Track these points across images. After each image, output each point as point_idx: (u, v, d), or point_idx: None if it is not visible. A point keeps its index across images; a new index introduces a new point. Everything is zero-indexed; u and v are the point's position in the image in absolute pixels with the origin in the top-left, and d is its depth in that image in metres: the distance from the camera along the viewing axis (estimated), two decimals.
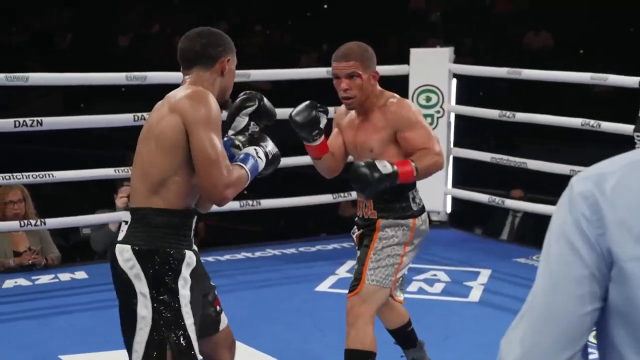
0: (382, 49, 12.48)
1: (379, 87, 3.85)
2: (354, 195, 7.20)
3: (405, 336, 4.15)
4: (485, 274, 6.07)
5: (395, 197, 3.80)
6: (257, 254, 6.67)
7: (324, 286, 5.79)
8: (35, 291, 5.69)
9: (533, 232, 8.32)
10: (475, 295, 5.64)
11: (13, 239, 6.24)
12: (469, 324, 5.15)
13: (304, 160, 7.18)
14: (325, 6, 15.77)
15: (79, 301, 5.47)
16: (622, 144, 5.01)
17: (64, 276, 5.99)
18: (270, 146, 3.19)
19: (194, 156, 2.89)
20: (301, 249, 6.84)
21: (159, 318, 2.88)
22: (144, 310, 2.89)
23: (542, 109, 6.79)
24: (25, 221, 5.96)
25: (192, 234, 3.02)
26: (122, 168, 6.06)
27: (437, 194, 7.11)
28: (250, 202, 6.64)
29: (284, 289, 5.82)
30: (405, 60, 7.21)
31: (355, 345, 3.69)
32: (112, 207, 6.75)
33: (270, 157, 3.15)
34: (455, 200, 7.40)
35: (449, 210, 7.38)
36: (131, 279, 2.91)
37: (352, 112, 3.89)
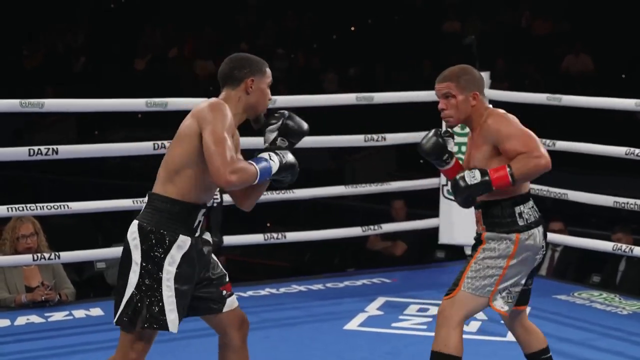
0: (415, 73, 12.58)
1: (485, 106, 4.13)
2: (384, 227, 7.23)
3: None
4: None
5: (503, 213, 4.04)
6: (282, 289, 6.67)
7: (352, 325, 5.77)
8: (48, 329, 5.70)
9: (574, 267, 8.29)
10: None
11: (25, 273, 6.25)
12: None
13: (330, 191, 7.22)
14: (353, 29, 15.82)
15: (94, 339, 5.47)
16: None
17: (79, 313, 6.01)
18: (288, 155, 3.72)
19: (204, 145, 3.54)
20: (328, 284, 6.82)
21: (141, 284, 3.60)
22: (133, 275, 3.62)
23: (584, 137, 6.77)
24: (39, 254, 5.99)
25: (195, 225, 3.69)
26: (141, 199, 6.07)
27: (470, 226, 7.06)
28: (275, 235, 6.63)
29: (310, 327, 5.81)
30: None
31: (440, 347, 3.96)
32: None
33: (283, 162, 3.68)
34: None
35: None
36: (130, 249, 3.64)
37: None
